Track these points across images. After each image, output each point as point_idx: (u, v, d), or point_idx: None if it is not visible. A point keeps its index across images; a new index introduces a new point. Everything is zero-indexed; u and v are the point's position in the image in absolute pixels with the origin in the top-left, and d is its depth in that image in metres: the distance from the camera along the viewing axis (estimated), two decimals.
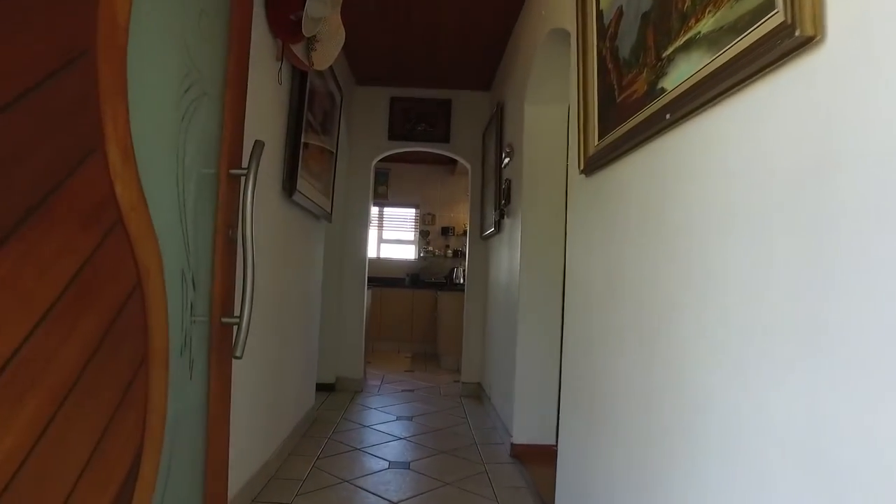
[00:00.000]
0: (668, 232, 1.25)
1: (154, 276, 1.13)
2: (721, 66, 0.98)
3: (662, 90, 1.28)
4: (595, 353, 1.72)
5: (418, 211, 7.96)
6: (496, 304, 3.98)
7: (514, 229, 3.32)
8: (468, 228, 4.89)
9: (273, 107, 2.38)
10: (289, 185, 2.58)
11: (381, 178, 7.85)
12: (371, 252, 7.89)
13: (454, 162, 7.52)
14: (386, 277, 7.80)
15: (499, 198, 3.86)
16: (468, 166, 4.89)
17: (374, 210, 7.95)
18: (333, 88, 3.45)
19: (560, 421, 2.14)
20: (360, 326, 4.73)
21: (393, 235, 8.01)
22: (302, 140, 2.64)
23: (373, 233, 7.92)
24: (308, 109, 2.84)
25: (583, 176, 1.90)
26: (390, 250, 7.98)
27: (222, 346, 1.46)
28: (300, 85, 2.63)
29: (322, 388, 4.59)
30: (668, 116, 1.19)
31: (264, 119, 2.26)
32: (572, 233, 2.05)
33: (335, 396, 4.50)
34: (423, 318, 7.33)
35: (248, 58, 1.57)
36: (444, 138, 4.78)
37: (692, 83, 1.12)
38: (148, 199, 1.10)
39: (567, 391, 2.03)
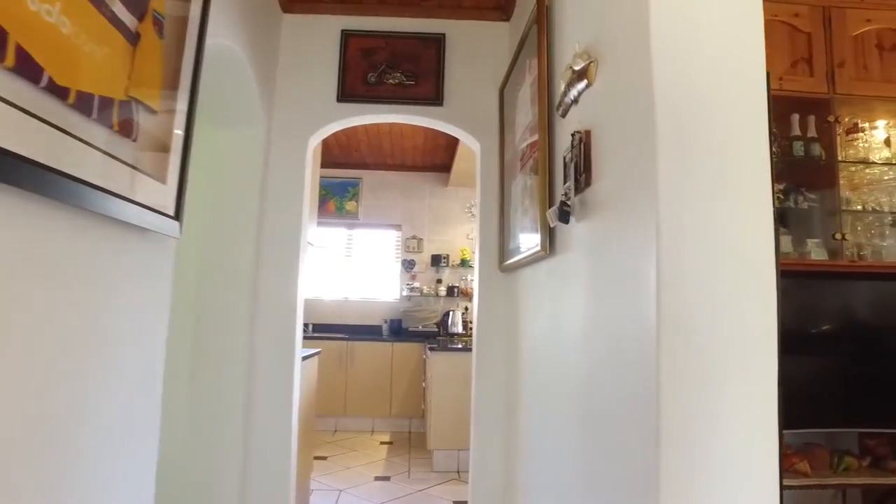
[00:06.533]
0: None
1: None
2: None
3: None
4: None
5: (400, 234, 5.95)
6: (548, 400, 1.94)
7: (614, 241, 1.31)
8: (477, 253, 2.87)
9: None
10: None
11: (349, 189, 5.85)
12: (337, 293, 5.84)
13: (448, 167, 5.55)
14: (357, 325, 5.73)
15: (549, 184, 1.86)
16: (475, 147, 2.89)
17: (343, 233, 5.94)
18: None
19: None
20: (288, 428, 2.65)
21: (366, 268, 5.97)
22: None
23: (339, 265, 5.88)
24: None
25: None
26: (363, 289, 5.93)
27: None
28: None
29: None
30: None
31: None
32: None
33: None
34: (407, 381, 5.25)
35: None
36: (434, 98, 2.79)
37: None
38: None
39: None
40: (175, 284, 2.50)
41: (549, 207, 1.76)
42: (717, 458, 1.03)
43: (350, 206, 5.83)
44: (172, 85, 1.50)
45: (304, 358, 2.93)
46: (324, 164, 4.97)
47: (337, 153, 5.46)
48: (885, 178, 2.44)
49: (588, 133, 1.50)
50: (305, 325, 5.26)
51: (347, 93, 2.78)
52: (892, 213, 2.41)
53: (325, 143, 4.97)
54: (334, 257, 5.92)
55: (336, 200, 5.83)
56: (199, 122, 2.64)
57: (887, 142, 2.40)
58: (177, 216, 1.55)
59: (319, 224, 5.45)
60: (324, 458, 4.19)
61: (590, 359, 1.44)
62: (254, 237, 2.64)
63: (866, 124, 2.38)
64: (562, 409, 1.69)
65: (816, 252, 2.21)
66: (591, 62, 1.47)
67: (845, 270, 2.15)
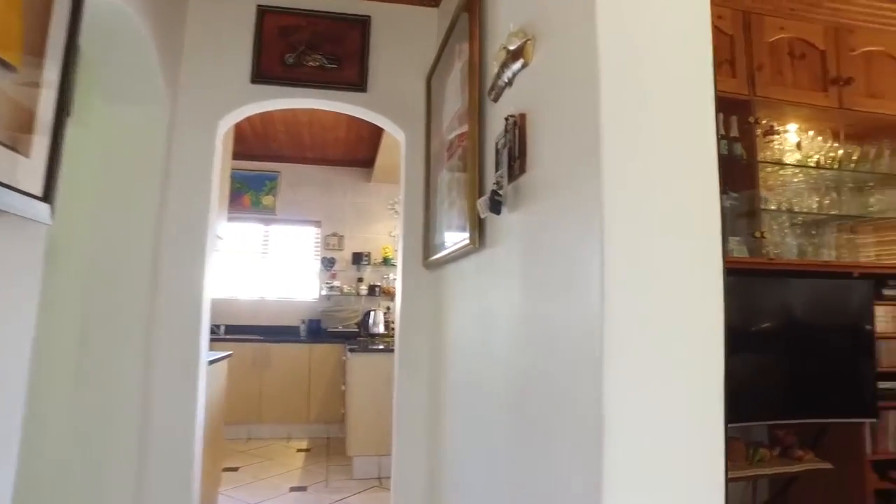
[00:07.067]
0: None
1: None
2: None
3: None
4: None
5: (320, 231, 5.70)
6: (476, 402, 1.84)
7: (552, 232, 1.22)
8: (400, 249, 2.73)
9: None
10: None
11: (266, 183, 5.54)
12: (252, 293, 5.51)
13: (371, 162, 5.38)
14: (273, 326, 5.43)
15: (479, 173, 1.77)
16: (400, 136, 2.76)
17: (259, 229, 5.63)
18: None
19: None
20: (191, 438, 2.39)
21: (283, 266, 5.68)
22: None
23: (255, 263, 5.56)
24: None
25: None
26: (280, 287, 5.63)
27: None
28: None
29: None
30: None
31: None
32: None
33: None
34: (325, 384, 5.02)
35: None
36: (358, 84, 2.63)
37: None
38: None
39: None
40: (56, 279, 2.19)
41: (487, 195, 1.66)
42: (663, 458, 0.96)
43: (267, 200, 5.52)
44: (40, 41, 1.26)
45: (212, 361, 2.68)
46: (239, 156, 4.67)
47: (253, 143, 5.14)
48: (795, 179, 2.54)
49: (523, 116, 1.41)
50: (216, 327, 4.92)
51: (263, 74, 2.56)
52: (800, 213, 2.52)
53: (241, 133, 4.66)
54: (249, 254, 5.59)
55: (252, 194, 5.50)
56: (88, 96, 2.34)
57: (798, 145, 2.50)
58: (46, 198, 1.31)
59: (234, 219, 5.12)
60: (235, 469, 3.90)
61: (524, 357, 1.34)
62: (153, 229, 2.36)
63: (781, 127, 2.47)
64: (491, 410, 1.59)
65: (738, 250, 2.25)
66: (527, 40, 1.38)
67: (764, 268, 2.20)
